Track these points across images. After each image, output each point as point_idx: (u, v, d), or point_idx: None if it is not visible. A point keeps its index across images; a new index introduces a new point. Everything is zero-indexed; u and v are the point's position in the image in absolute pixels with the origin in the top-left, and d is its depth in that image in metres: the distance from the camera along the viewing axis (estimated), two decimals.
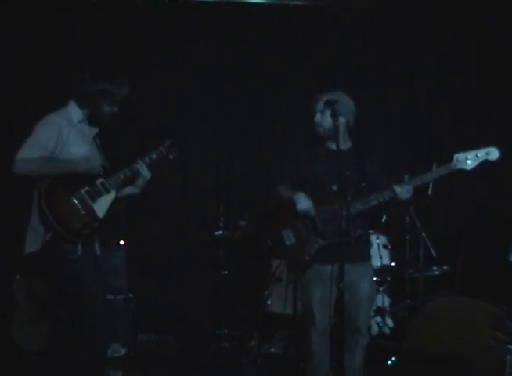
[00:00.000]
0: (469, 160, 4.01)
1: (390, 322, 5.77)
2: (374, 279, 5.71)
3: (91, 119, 4.13)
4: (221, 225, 6.10)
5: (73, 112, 4.07)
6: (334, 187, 4.05)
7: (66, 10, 6.50)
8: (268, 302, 5.70)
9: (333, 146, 4.09)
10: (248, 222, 6.20)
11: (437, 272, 5.90)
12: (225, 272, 6.13)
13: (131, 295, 5.83)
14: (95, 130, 4.19)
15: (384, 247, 5.87)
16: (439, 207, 6.61)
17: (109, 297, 5.61)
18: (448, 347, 4.61)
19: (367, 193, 4.12)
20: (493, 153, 4.02)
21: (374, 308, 5.72)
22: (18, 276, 5.54)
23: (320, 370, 4.18)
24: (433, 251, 5.80)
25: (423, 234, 5.72)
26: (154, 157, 4.25)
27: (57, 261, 3.95)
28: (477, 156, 4.01)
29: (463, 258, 6.10)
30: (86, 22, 6.54)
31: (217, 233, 6.10)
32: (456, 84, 6.83)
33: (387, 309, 5.80)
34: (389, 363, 5.34)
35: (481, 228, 6.47)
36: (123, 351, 5.65)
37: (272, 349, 5.73)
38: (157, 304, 6.49)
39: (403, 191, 4.03)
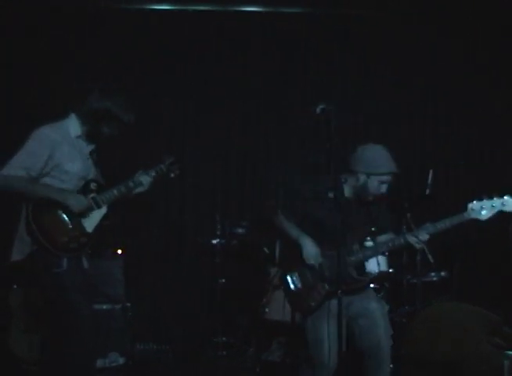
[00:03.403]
0: (484, 210, 3.96)
1: None
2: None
3: (89, 136, 4.11)
4: (218, 233, 6.10)
5: (72, 126, 4.05)
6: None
7: (66, 20, 6.53)
8: (266, 310, 5.68)
9: (348, 194, 4.16)
10: (245, 230, 6.21)
11: (434, 278, 5.89)
12: (223, 280, 6.13)
13: (128, 304, 5.79)
14: (92, 146, 4.17)
15: (382, 253, 5.86)
16: (436, 213, 6.60)
17: (107, 306, 5.64)
18: (447, 353, 4.60)
19: (374, 236, 4.13)
20: (510, 204, 3.94)
21: None
22: (15, 286, 5.52)
23: None
24: (430, 257, 5.80)
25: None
26: (153, 174, 4.25)
27: (41, 273, 3.96)
28: (492, 206, 3.95)
29: (461, 264, 6.11)
30: (86, 32, 6.57)
31: (213, 241, 6.10)
32: (456, 94, 6.84)
33: None
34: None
35: (478, 233, 6.46)
36: (121, 360, 5.62)
37: (270, 357, 5.72)
38: (155, 313, 6.52)
39: (415, 241, 4.07)
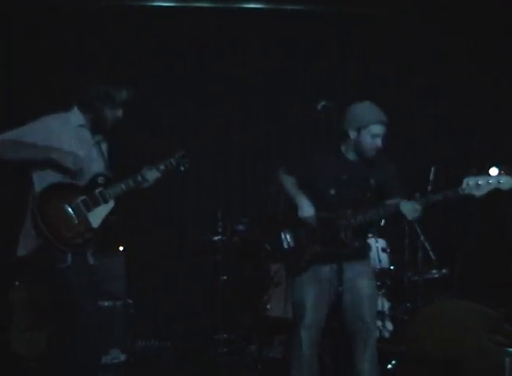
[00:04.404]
0: (479, 186, 3.79)
1: (389, 325, 5.75)
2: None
3: (94, 125, 4.07)
4: (219, 230, 6.10)
5: (74, 116, 4.02)
6: (332, 191, 4.03)
7: (66, 20, 6.54)
8: (268, 307, 5.70)
9: (349, 156, 4.14)
10: (246, 227, 6.21)
11: (436, 276, 5.90)
12: (224, 277, 6.14)
13: (130, 301, 5.81)
14: (98, 137, 4.13)
15: (383, 250, 5.86)
16: (438, 210, 6.61)
17: (108, 303, 5.64)
18: (448, 350, 4.58)
19: (372, 203, 4.06)
20: (507, 182, 3.79)
21: None
22: (17, 283, 5.52)
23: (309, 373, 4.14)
24: (432, 255, 5.80)
25: (422, 237, 5.73)
26: (162, 167, 4.21)
27: (46, 269, 3.92)
28: (488, 182, 3.79)
29: (462, 261, 6.11)
30: (86, 32, 6.57)
31: (215, 238, 6.11)
32: (457, 94, 6.85)
33: (387, 312, 5.78)
34: (389, 366, 5.32)
35: (479, 231, 6.47)
36: (122, 357, 5.62)
37: (271, 354, 5.73)
38: (156, 309, 6.52)
39: (410, 209, 3.92)
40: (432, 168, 5.72)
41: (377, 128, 4.07)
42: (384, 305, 5.79)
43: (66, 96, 4.15)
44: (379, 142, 4.08)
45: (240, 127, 6.81)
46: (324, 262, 4.03)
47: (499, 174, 3.84)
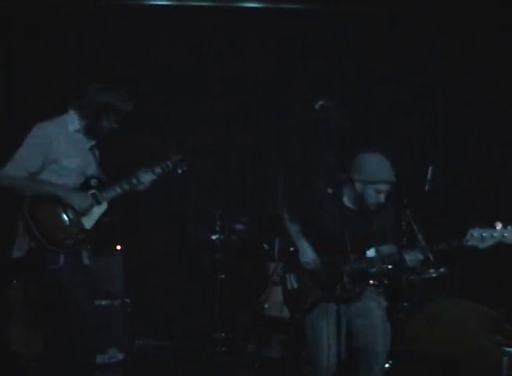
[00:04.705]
0: (484, 238, 3.83)
1: None
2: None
3: (89, 131, 4.08)
4: (218, 229, 6.10)
5: (71, 121, 4.03)
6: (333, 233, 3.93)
7: (66, 20, 6.53)
8: (265, 306, 5.69)
9: (350, 203, 4.19)
10: (244, 226, 6.22)
11: (434, 275, 5.87)
12: (222, 276, 6.13)
13: (127, 300, 5.81)
14: (92, 142, 4.15)
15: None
16: (435, 209, 6.61)
17: (106, 302, 5.65)
18: (446, 349, 4.59)
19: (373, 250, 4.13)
20: (511, 235, 3.80)
21: None
22: (14, 282, 5.52)
23: None
24: (430, 255, 5.78)
25: (420, 236, 5.70)
26: (158, 170, 4.22)
27: (39, 270, 3.94)
28: (492, 235, 3.82)
29: (461, 261, 6.09)
30: (86, 32, 6.57)
31: (213, 236, 6.10)
32: (454, 92, 6.84)
33: None
34: (386, 365, 5.30)
35: None
36: (120, 356, 5.62)
37: (269, 353, 5.74)
38: (154, 308, 6.49)
39: (413, 259, 4.04)
40: (430, 168, 5.72)
41: (384, 187, 4.11)
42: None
43: (66, 96, 4.17)
44: (382, 198, 4.13)
45: (240, 127, 6.81)
46: (328, 302, 4.02)
47: (504, 227, 3.84)
